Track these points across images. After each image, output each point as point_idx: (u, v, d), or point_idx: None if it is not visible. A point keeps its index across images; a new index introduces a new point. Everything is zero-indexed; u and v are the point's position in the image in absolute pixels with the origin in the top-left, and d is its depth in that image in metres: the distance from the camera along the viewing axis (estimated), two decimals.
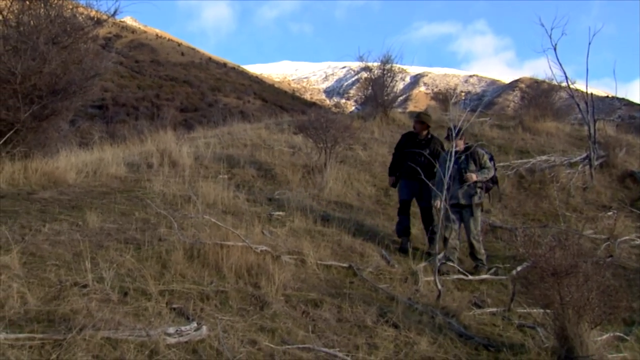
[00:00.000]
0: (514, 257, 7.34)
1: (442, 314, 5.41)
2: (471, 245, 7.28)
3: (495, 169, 7.57)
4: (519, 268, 6.81)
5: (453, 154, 6.57)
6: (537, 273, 4.89)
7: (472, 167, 7.32)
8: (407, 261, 6.81)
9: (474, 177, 7.24)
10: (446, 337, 4.92)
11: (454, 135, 6.58)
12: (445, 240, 7.20)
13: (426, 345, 4.69)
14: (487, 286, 6.72)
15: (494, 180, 7.55)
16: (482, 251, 7.31)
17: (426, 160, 7.67)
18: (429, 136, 8.15)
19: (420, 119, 8.24)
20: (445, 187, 6.31)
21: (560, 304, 4.67)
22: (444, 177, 6.31)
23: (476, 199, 7.29)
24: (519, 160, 12.40)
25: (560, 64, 10.95)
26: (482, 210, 7.45)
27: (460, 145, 7.27)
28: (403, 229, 7.86)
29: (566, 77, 12.73)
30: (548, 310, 4.96)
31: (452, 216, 7.22)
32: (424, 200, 7.89)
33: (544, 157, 12.49)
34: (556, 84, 14.99)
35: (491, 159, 7.53)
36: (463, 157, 7.35)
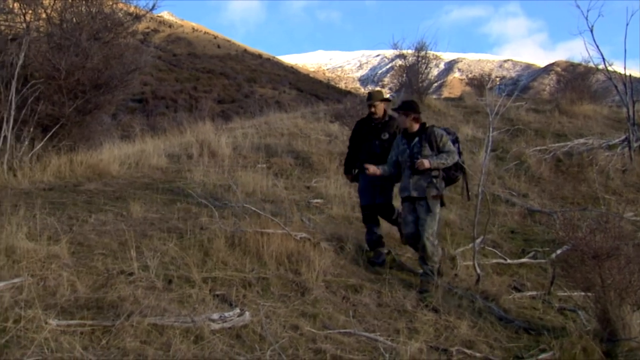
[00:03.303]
0: (552, 240, 7.21)
1: (481, 298, 5.41)
2: (423, 247, 5.74)
3: (460, 154, 6.04)
4: (558, 251, 6.70)
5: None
6: (578, 256, 4.83)
7: (427, 151, 5.78)
8: (446, 246, 6.77)
9: (425, 163, 5.69)
10: (486, 321, 4.93)
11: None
12: (403, 236, 6.20)
13: (466, 329, 4.70)
14: (527, 270, 6.65)
15: (458, 168, 6.00)
16: (436, 258, 5.77)
17: (382, 146, 6.34)
18: (387, 118, 6.51)
19: (371, 97, 6.57)
20: (390, 165, 5.94)
21: (601, 287, 4.63)
22: (393, 161, 5.93)
23: (432, 191, 5.76)
24: (556, 144, 12.22)
25: (597, 46, 10.69)
26: (442, 205, 5.90)
27: (410, 124, 5.91)
28: (375, 239, 6.40)
29: (603, 59, 12.43)
30: (589, 293, 4.93)
31: (406, 214, 5.94)
32: (381, 195, 6.40)
33: (581, 140, 12.28)
34: (593, 66, 14.66)
35: (455, 141, 6.00)
36: (416, 139, 5.85)
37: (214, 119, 15.47)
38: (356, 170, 6.63)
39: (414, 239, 5.89)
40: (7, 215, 5.25)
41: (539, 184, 10.54)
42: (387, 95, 7.19)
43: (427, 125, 5.97)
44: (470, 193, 6.26)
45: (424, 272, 5.72)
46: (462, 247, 6.84)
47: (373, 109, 6.46)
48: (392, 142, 6.16)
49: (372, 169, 5.94)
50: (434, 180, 5.78)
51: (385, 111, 6.54)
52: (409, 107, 5.92)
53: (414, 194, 5.79)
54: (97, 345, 3.44)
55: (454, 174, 5.96)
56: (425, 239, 5.70)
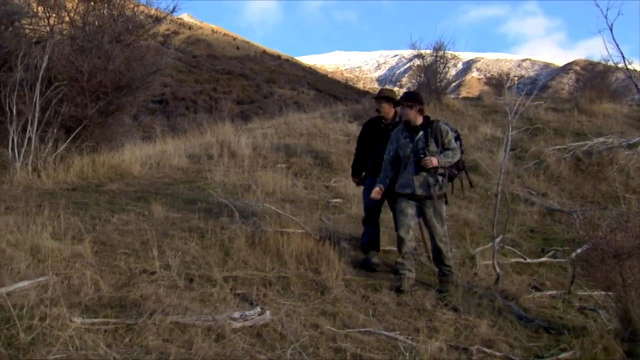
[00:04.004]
0: (572, 239, 7.15)
1: (501, 297, 5.39)
2: (437, 249, 5.56)
3: (462, 152, 5.74)
4: (578, 250, 6.65)
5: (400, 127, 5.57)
6: (598, 255, 4.78)
7: (433, 147, 5.47)
8: (465, 245, 6.74)
9: (434, 161, 5.38)
10: (506, 320, 4.90)
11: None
12: (401, 241, 5.57)
13: (486, 328, 4.68)
14: (546, 269, 6.60)
15: (460, 167, 5.72)
16: (450, 255, 5.63)
17: None
18: (397, 119, 6.13)
19: (383, 94, 6.29)
20: (387, 170, 5.58)
21: (622, 286, 4.58)
22: (391, 156, 5.59)
23: (437, 190, 5.48)
24: (576, 143, 12.13)
25: (617, 45, 10.57)
26: (446, 204, 5.63)
27: (414, 116, 5.54)
28: (371, 240, 6.11)
29: (623, 58, 12.20)
30: (610, 293, 4.88)
31: (407, 210, 5.55)
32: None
33: (601, 139, 12.16)
34: (612, 64, 14.52)
35: (457, 138, 5.68)
36: (421, 133, 5.50)
37: (234, 120, 15.54)
38: (363, 173, 6.39)
39: (407, 232, 5.54)
40: (32, 215, 5.35)
41: (559, 183, 10.46)
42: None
43: (432, 119, 5.65)
44: (465, 190, 6.08)
45: (442, 272, 5.58)
46: (482, 246, 6.80)
47: (380, 110, 6.19)
48: None
49: (377, 194, 5.59)
50: (440, 179, 5.48)
51: (395, 112, 6.18)
52: (414, 98, 5.58)
53: (419, 192, 5.46)
54: (121, 343, 3.48)
55: (454, 172, 5.65)
56: (438, 242, 5.51)
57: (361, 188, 6.50)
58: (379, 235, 6.16)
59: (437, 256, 5.59)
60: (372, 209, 6.11)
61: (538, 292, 5.87)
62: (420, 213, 5.58)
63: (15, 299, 3.71)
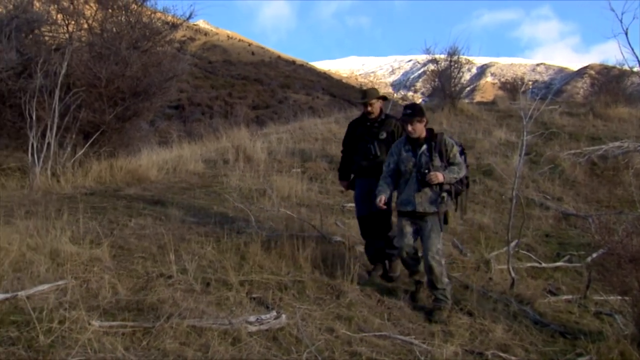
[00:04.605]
0: (588, 244, 7.13)
1: (516, 301, 5.37)
2: (429, 269, 5.03)
3: (467, 167, 5.30)
4: (594, 255, 6.63)
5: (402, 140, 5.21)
6: (614, 260, 4.76)
7: (437, 162, 5.06)
8: (480, 250, 6.72)
9: (440, 177, 4.97)
10: (521, 325, 4.89)
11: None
12: (404, 262, 5.37)
13: (501, 332, 4.68)
14: (562, 274, 6.58)
15: (463, 183, 5.28)
16: (445, 279, 5.08)
17: (381, 148, 5.71)
18: (383, 116, 5.83)
19: (377, 95, 5.86)
20: (387, 184, 5.19)
21: (638, 291, 4.55)
22: (390, 169, 5.22)
23: (441, 207, 5.07)
24: (591, 147, 12.09)
25: (632, 49, 10.53)
26: (446, 222, 5.18)
27: (418, 129, 5.13)
28: (374, 252, 5.81)
29: (638, 62, 12.17)
30: (626, 297, 4.86)
31: (405, 229, 5.16)
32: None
33: (616, 144, 12.12)
34: (628, 68, 14.45)
35: (462, 152, 5.25)
36: (424, 147, 5.11)
37: (249, 125, 15.63)
38: (352, 176, 6.06)
39: (411, 256, 5.20)
40: (51, 219, 5.40)
41: (574, 188, 10.42)
42: (388, 94, 6.59)
43: (435, 131, 5.25)
44: (463, 211, 5.48)
45: (435, 297, 5.08)
46: (497, 250, 6.79)
47: (369, 108, 5.77)
48: (390, 142, 5.50)
49: (381, 202, 5.14)
50: (444, 196, 5.04)
51: (381, 109, 5.86)
52: (422, 112, 5.15)
53: (421, 209, 5.05)
54: (138, 346, 3.51)
55: (459, 187, 5.20)
56: (430, 259, 4.99)
57: None
58: (383, 245, 5.72)
59: (429, 277, 5.07)
60: (364, 221, 5.83)
61: (553, 296, 5.84)
62: (417, 231, 5.17)
63: (35, 302, 3.76)
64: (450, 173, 5.03)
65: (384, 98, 5.95)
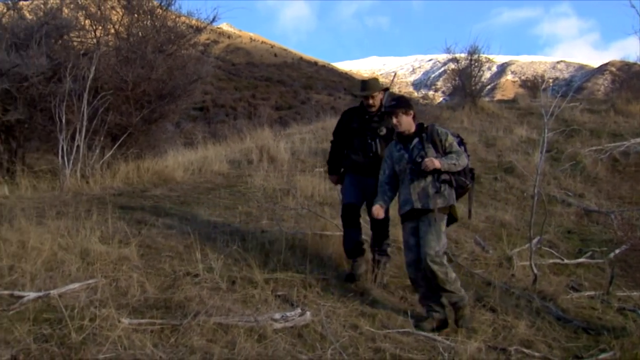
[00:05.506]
0: (610, 240, 7.05)
1: (539, 298, 5.37)
2: (432, 274, 4.51)
3: (469, 156, 4.84)
4: (616, 251, 6.56)
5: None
6: (637, 256, 4.73)
7: (432, 152, 4.66)
8: (502, 246, 6.71)
9: (436, 162, 4.53)
10: (544, 321, 4.89)
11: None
12: (412, 282, 4.88)
13: (524, 328, 4.68)
14: (584, 270, 6.54)
15: (467, 174, 4.81)
16: (453, 275, 4.60)
17: (381, 145, 5.27)
18: (383, 109, 5.33)
19: (380, 87, 5.40)
20: (385, 191, 4.87)
21: None
22: (387, 176, 4.89)
23: (439, 201, 4.59)
24: (612, 144, 12.00)
25: None
26: (454, 221, 4.80)
27: (409, 124, 4.79)
28: (354, 246, 5.38)
29: None
30: None
31: (410, 241, 4.76)
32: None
33: (638, 140, 12.02)
34: None
35: (460, 142, 4.86)
36: (416, 140, 4.75)
37: (272, 125, 15.68)
38: (342, 170, 5.64)
39: (416, 268, 4.70)
40: (81, 219, 5.52)
41: (595, 184, 10.33)
42: (387, 85, 5.72)
43: (426, 124, 4.89)
44: (471, 211, 5.11)
45: (454, 303, 4.64)
46: (519, 247, 6.77)
47: (371, 101, 5.31)
48: (390, 139, 5.09)
49: (378, 212, 4.82)
50: (442, 188, 4.61)
51: (381, 101, 5.36)
52: (408, 104, 4.82)
53: (418, 205, 4.63)
54: (166, 343, 3.58)
55: (463, 180, 4.75)
56: (431, 263, 4.48)
57: None
58: (362, 239, 5.48)
59: (435, 282, 4.58)
60: (350, 208, 5.40)
61: (576, 292, 5.82)
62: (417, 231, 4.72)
63: (67, 300, 3.86)
64: (447, 160, 4.61)
65: (386, 89, 5.54)
